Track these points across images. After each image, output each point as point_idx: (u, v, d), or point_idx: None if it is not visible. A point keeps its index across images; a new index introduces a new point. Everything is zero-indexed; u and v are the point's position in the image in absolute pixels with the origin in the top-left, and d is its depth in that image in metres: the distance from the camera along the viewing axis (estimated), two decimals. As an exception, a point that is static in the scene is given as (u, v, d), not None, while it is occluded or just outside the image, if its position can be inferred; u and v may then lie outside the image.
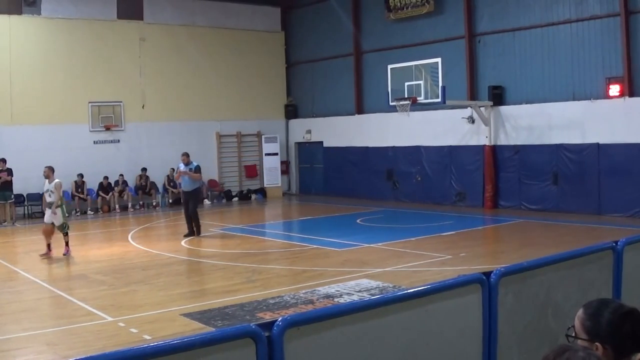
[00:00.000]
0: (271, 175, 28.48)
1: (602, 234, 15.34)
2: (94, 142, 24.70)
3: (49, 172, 14.69)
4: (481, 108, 21.27)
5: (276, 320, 3.00)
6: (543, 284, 4.38)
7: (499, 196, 21.37)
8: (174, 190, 24.62)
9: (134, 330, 8.72)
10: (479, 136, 21.82)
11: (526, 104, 20.67)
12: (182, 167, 17.40)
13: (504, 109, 21.25)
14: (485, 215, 20.57)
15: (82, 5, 24.36)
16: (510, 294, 4.13)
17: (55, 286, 11.62)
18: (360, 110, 26.33)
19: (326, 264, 13.04)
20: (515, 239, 15.96)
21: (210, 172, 26.83)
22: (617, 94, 18.27)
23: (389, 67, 21.66)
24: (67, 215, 15.14)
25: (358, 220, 19.70)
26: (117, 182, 24.49)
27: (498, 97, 21.27)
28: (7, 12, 22.97)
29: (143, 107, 25.48)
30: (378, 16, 25.06)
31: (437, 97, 20.07)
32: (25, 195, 23.09)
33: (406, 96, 20.63)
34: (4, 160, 21.55)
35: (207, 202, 26.16)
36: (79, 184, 23.76)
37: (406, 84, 20.80)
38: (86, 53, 24.42)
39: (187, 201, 17.44)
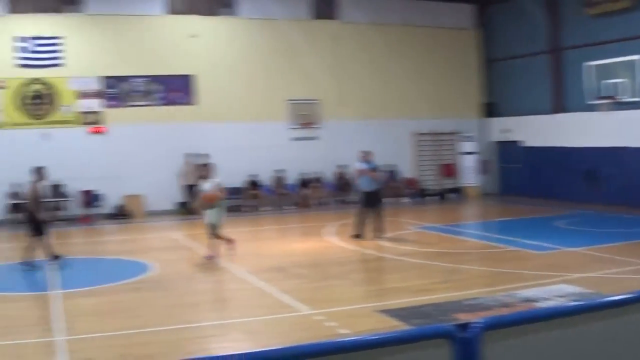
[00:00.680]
0: (468, 174, 27.82)
1: None
2: (293, 139, 25.44)
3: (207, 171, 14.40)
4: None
5: (474, 322, 2.92)
6: None
7: None
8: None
9: (330, 324, 8.70)
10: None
11: None
12: (362, 165, 16.65)
13: None
14: None
15: (278, 5, 25.26)
16: None
17: (255, 277, 11.94)
18: (558, 109, 24.89)
19: (524, 267, 12.34)
20: None
21: (405, 171, 26.74)
22: None
23: (588, 64, 20.24)
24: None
25: (557, 223, 18.60)
26: (314, 179, 25.04)
27: None
28: (208, 13, 24.47)
29: (340, 105, 25.84)
30: (576, 11, 23.56)
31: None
32: (226, 189, 24.24)
33: (606, 94, 19.16)
34: (205, 155, 22.79)
35: (404, 200, 25.97)
36: (279, 180, 24.56)
37: (606, 81, 19.35)
38: (283, 53, 25.26)
39: (367, 201, 16.40)
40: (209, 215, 13.81)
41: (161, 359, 7.56)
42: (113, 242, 18.67)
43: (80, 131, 23.15)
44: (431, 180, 27.76)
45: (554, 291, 10.17)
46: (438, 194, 27.31)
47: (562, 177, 24.27)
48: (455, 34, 28.00)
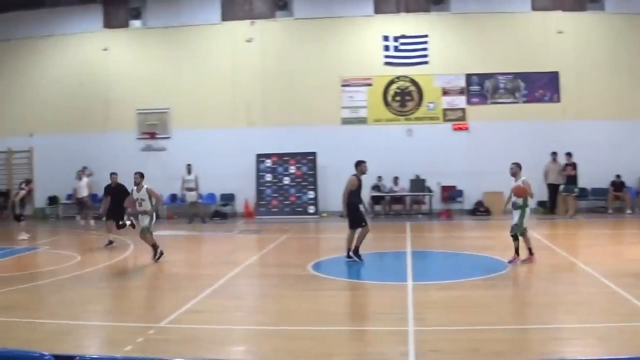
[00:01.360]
0: None
1: None
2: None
3: (517, 169, 13.43)
4: None
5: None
6: None
7: None
8: None
9: None
10: None
11: None
12: None
13: None
14: None
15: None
16: None
17: (613, 282, 10.93)
18: None
19: None
20: None
21: None
22: None
23: None
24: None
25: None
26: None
27: None
28: (573, 9, 23.21)
29: None
30: None
31: None
32: (589, 190, 22.93)
33: None
34: (569, 154, 21.81)
35: None
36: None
37: None
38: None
39: None
40: (514, 216, 12.94)
41: (510, 358, 7.24)
42: (470, 237, 18.66)
43: (443, 128, 23.69)
44: None
45: None
46: None
47: None
48: None
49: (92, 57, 25.85)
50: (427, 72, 23.75)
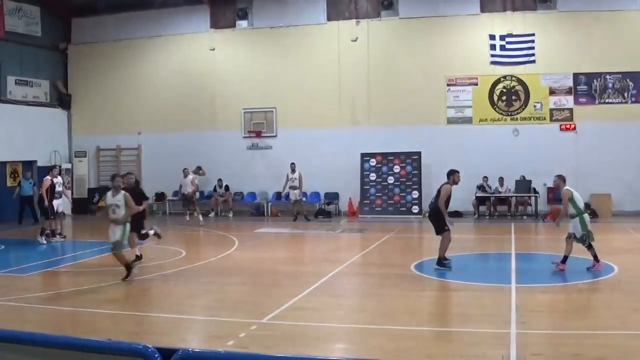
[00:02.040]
0: None
1: None
2: None
3: (559, 181, 13.11)
4: None
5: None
6: None
7: None
8: None
9: None
10: None
11: None
12: None
13: None
14: None
15: None
16: None
17: None
18: None
19: None
20: None
21: None
22: None
23: None
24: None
25: None
26: None
27: None
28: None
29: None
30: None
31: None
32: None
33: None
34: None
35: None
36: None
37: None
38: None
39: None
40: (574, 225, 12.61)
41: (614, 364, 7.25)
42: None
43: (550, 128, 23.32)
44: None
45: None
46: None
47: None
48: None
49: (199, 57, 26.87)
50: (534, 72, 23.41)
